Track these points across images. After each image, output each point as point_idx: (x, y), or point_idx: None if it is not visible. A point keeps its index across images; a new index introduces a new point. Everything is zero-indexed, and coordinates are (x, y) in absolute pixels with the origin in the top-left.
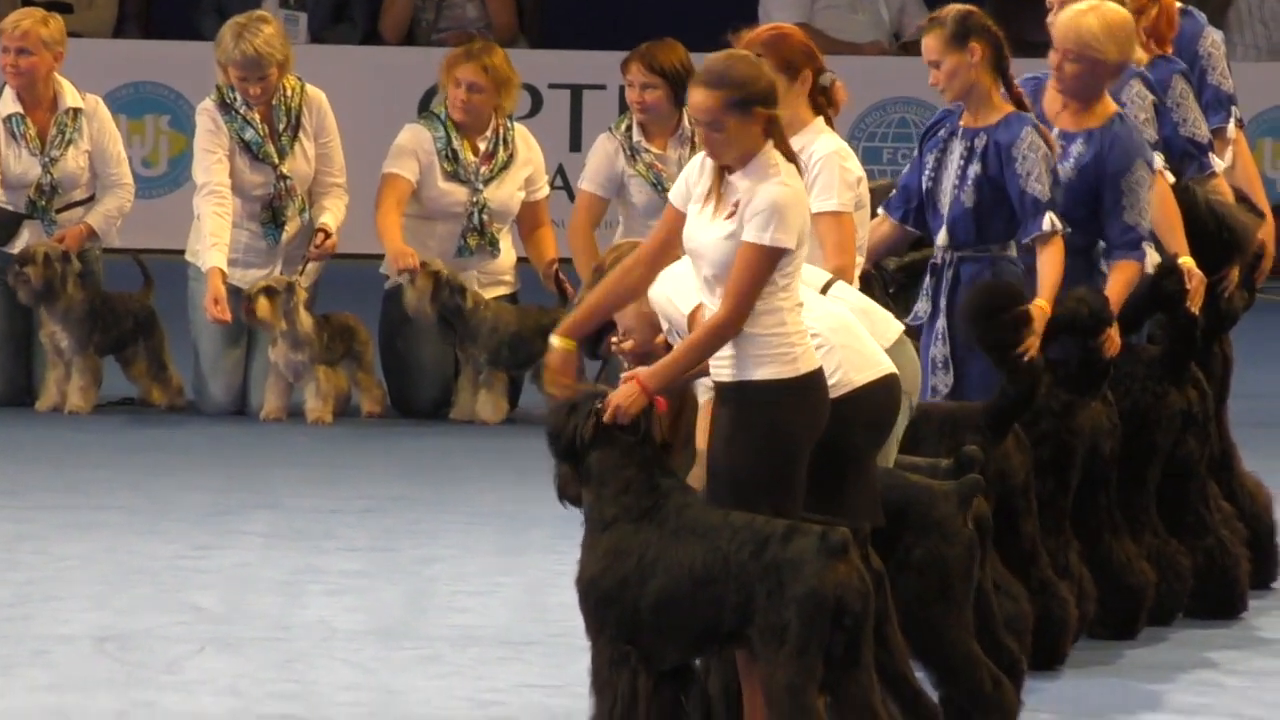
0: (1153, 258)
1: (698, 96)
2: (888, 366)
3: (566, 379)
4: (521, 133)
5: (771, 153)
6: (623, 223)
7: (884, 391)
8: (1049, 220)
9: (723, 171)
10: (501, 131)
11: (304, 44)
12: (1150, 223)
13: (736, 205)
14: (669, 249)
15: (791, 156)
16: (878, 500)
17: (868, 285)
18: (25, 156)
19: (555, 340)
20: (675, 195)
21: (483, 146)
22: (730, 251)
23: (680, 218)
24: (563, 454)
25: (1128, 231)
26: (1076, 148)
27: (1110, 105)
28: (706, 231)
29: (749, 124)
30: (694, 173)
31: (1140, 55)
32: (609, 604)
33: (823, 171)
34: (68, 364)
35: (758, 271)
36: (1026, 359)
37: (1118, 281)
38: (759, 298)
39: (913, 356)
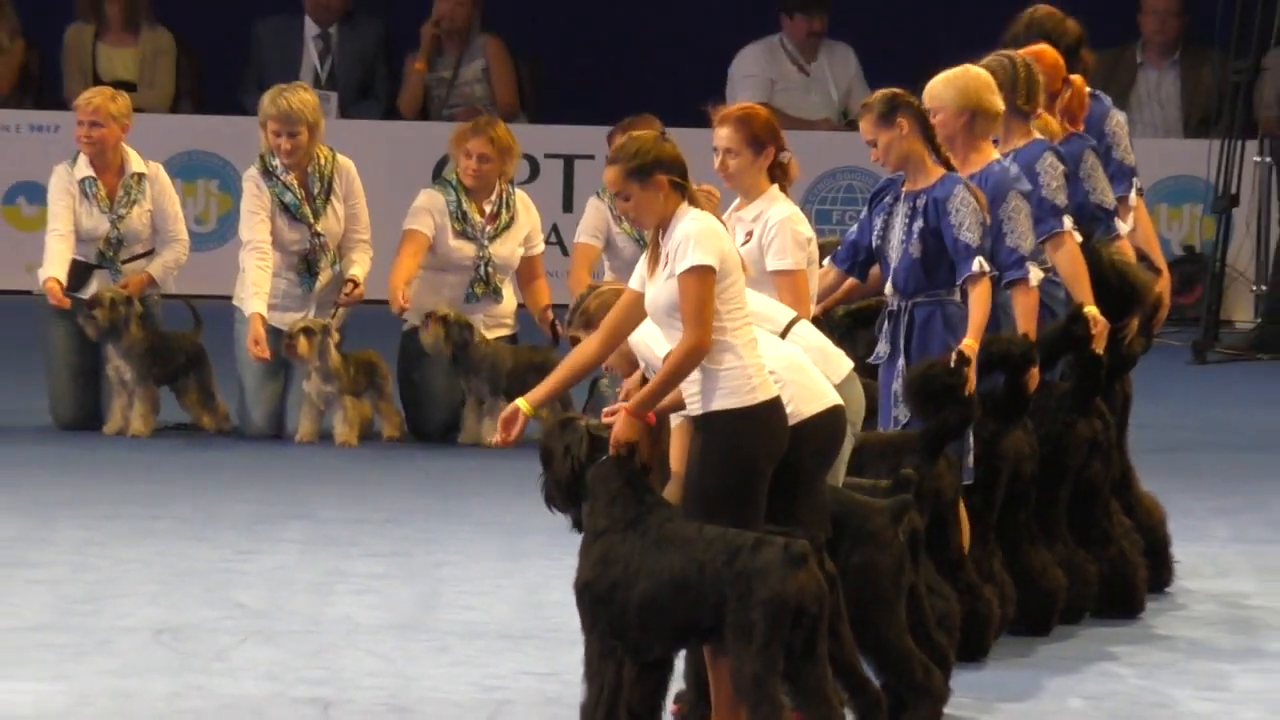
0: (1035, 274)
1: (608, 174)
2: (834, 399)
3: (508, 435)
4: (521, 197)
5: (687, 209)
6: (610, 273)
7: (831, 421)
8: (978, 263)
9: (656, 240)
10: (504, 195)
11: (334, 119)
12: (1031, 245)
13: (666, 256)
14: (625, 325)
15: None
16: (826, 515)
17: (818, 328)
18: (96, 214)
19: (521, 403)
20: (634, 281)
21: (488, 209)
22: (673, 292)
23: (637, 298)
24: (559, 474)
25: (1011, 254)
26: None
27: (989, 154)
28: (654, 290)
29: (651, 189)
30: (642, 263)
31: (1054, 127)
32: (601, 604)
33: (778, 235)
34: (130, 393)
35: (695, 294)
36: (966, 393)
37: (1020, 313)
38: (711, 326)
39: (859, 391)
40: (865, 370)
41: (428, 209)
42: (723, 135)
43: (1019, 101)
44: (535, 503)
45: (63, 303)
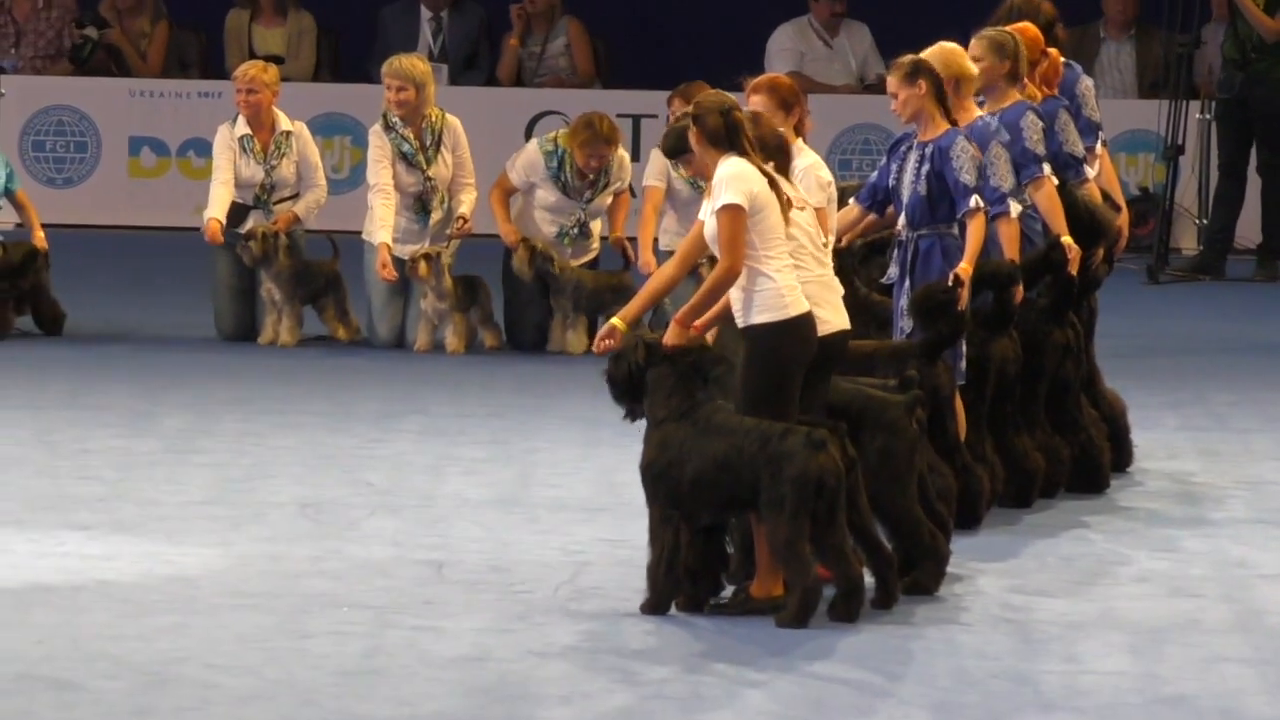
0: (1015, 208)
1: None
2: (846, 323)
3: (607, 345)
4: (621, 160)
5: (729, 157)
6: (671, 210)
7: (843, 339)
8: (974, 200)
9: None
10: (605, 167)
11: (445, 87)
12: (1011, 184)
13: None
14: (696, 249)
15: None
16: (825, 405)
17: (840, 258)
18: (252, 165)
19: (616, 321)
20: (702, 212)
21: (590, 177)
22: (713, 224)
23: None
24: (623, 382)
25: (994, 192)
26: None
27: (973, 111)
28: (706, 221)
29: (694, 137)
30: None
31: (1034, 92)
32: (660, 480)
33: (803, 179)
34: (279, 311)
35: (727, 227)
36: (958, 308)
37: (1005, 240)
38: (741, 253)
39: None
40: (879, 289)
41: (525, 168)
42: (756, 101)
43: (1011, 70)
44: (609, 400)
45: (217, 239)
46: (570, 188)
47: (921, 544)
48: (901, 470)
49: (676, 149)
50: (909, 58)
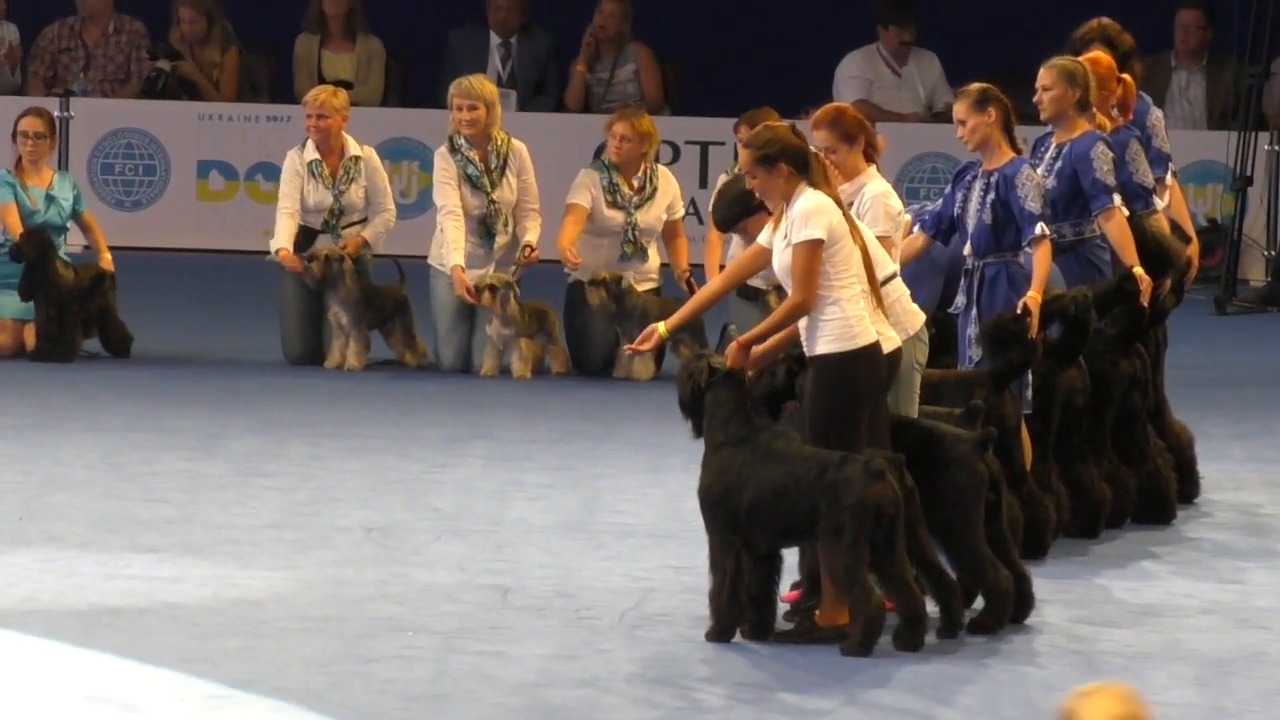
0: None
1: (741, 157)
2: (898, 342)
3: (644, 346)
4: (663, 171)
5: (805, 189)
6: (735, 236)
7: (895, 358)
8: (1039, 228)
9: (780, 212)
10: (648, 171)
11: (514, 112)
12: (1115, 182)
13: (786, 228)
14: (745, 271)
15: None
16: (887, 428)
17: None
18: (321, 189)
19: (660, 326)
20: (761, 238)
21: (635, 183)
22: (788, 257)
23: (762, 251)
24: (689, 401)
25: (1096, 184)
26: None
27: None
28: (778, 254)
29: (774, 174)
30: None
31: (1103, 121)
32: (717, 506)
33: (871, 208)
34: (346, 335)
35: (804, 261)
36: (1029, 337)
37: (1113, 235)
38: (815, 288)
39: (925, 339)
40: (951, 319)
41: (586, 185)
42: (820, 137)
43: (1081, 99)
44: (676, 425)
45: (295, 265)
46: (621, 197)
47: (986, 581)
48: (967, 506)
49: (731, 219)
50: (977, 85)
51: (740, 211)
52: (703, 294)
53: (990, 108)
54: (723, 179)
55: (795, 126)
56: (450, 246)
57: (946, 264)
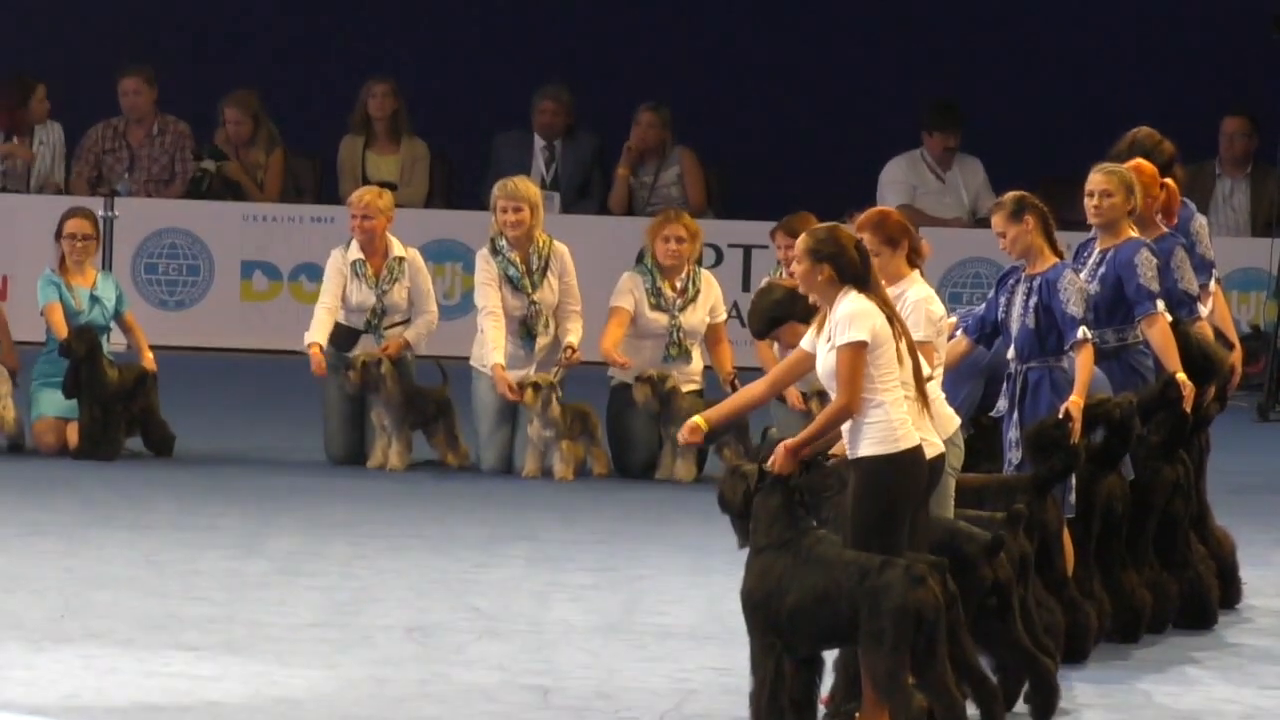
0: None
1: (796, 249)
2: (941, 449)
3: (689, 439)
4: (705, 275)
5: (849, 291)
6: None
7: (939, 464)
8: (1082, 332)
9: (824, 315)
10: (691, 274)
11: (557, 214)
12: (1159, 289)
13: (830, 331)
14: (789, 376)
15: (884, 301)
16: (929, 533)
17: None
18: (364, 289)
19: (699, 419)
20: (805, 343)
21: (678, 284)
22: (832, 360)
23: (806, 356)
24: (739, 505)
25: (1139, 290)
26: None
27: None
28: (821, 356)
29: (814, 272)
30: (811, 331)
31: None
32: (759, 609)
33: (913, 312)
34: (389, 436)
35: (848, 364)
36: (1071, 443)
37: (1156, 341)
38: (860, 390)
39: (961, 443)
40: (994, 424)
41: (629, 289)
42: (864, 240)
43: (1133, 208)
44: (718, 528)
45: (321, 369)
46: (664, 299)
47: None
48: (956, 614)
49: (764, 330)
50: (1011, 195)
51: (771, 322)
52: (745, 394)
53: (1026, 215)
54: (766, 280)
55: (860, 242)
56: (490, 346)
57: (987, 366)
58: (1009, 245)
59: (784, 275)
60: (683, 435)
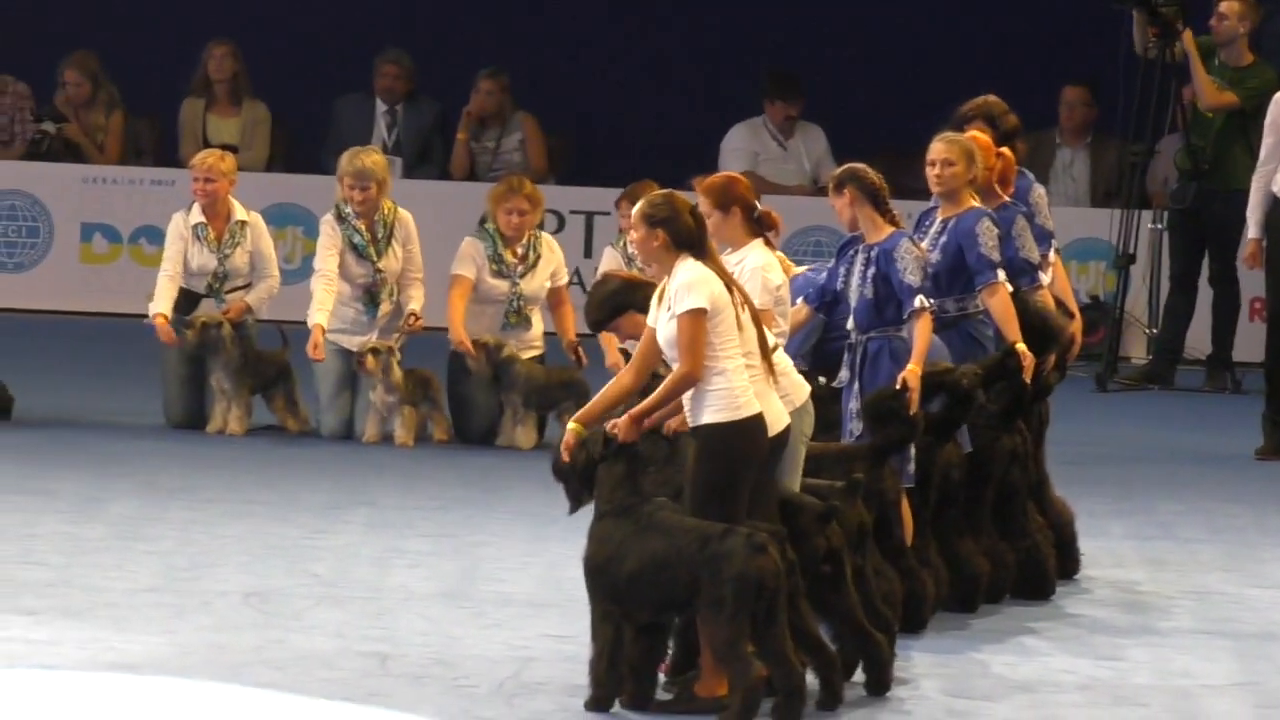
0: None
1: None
2: (787, 422)
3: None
4: (546, 239)
5: (686, 259)
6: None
7: (783, 439)
8: (919, 300)
9: (663, 285)
10: (532, 240)
11: (399, 179)
12: (1000, 258)
13: (668, 300)
14: (652, 357)
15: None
16: (775, 504)
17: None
18: (206, 253)
19: (571, 424)
20: (650, 319)
21: (519, 251)
22: (672, 329)
23: (654, 333)
24: (581, 471)
25: (981, 260)
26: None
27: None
28: (660, 326)
29: (649, 237)
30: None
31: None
32: (598, 575)
33: (750, 280)
34: (228, 400)
35: (688, 331)
36: (909, 413)
37: (996, 310)
38: (702, 358)
39: (812, 411)
40: (833, 393)
41: (470, 255)
42: (700, 204)
43: (974, 177)
44: (558, 495)
45: (170, 338)
46: (505, 266)
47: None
48: (796, 583)
49: (601, 321)
50: (837, 170)
51: (609, 312)
52: (615, 388)
53: (846, 188)
54: (608, 249)
55: (696, 208)
56: (315, 306)
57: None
58: (840, 218)
59: (627, 245)
60: (566, 454)
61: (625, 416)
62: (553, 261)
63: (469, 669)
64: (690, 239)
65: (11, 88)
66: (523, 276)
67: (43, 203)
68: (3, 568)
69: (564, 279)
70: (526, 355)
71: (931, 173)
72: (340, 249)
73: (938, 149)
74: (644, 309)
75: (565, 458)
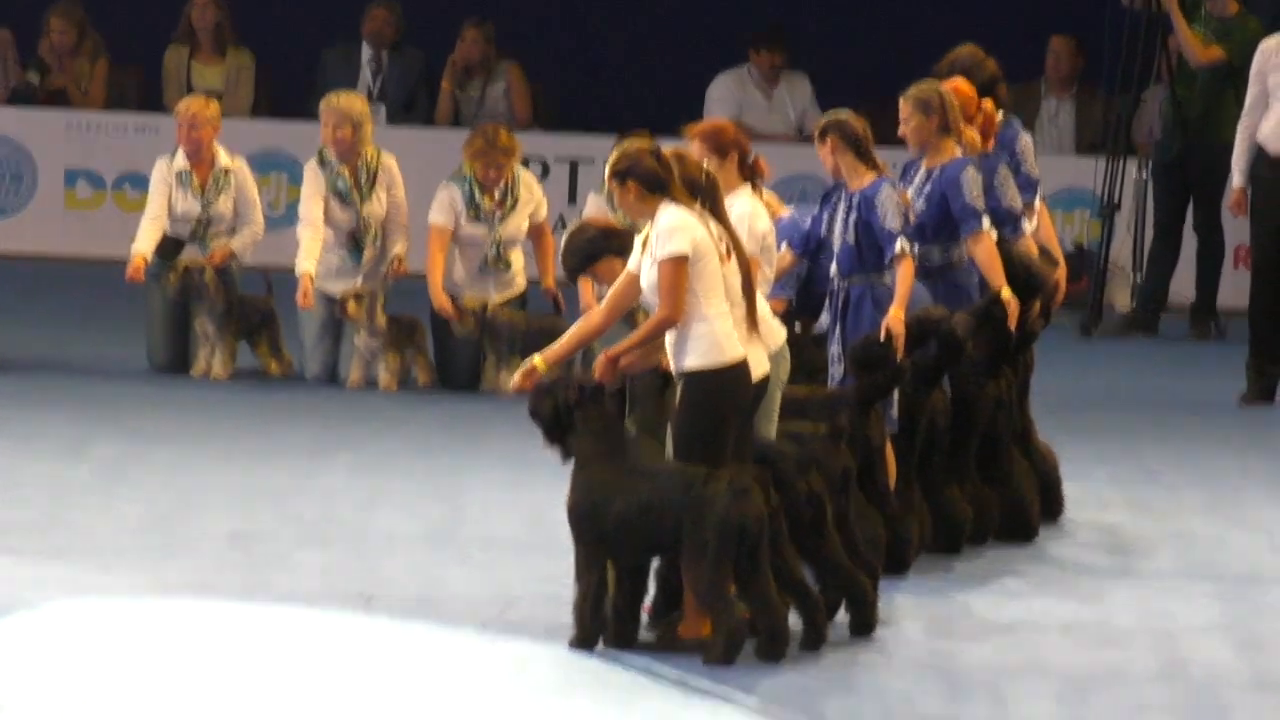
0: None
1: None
2: (766, 369)
3: (526, 383)
4: (526, 178)
5: (668, 205)
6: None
7: (762, 388)
8: (900, 245)
9: (646, 232)
10: (509, 183)
11: (384, 127)
12: (984, 207)
13: (649, 245)
14: (625, 301)
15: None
16: (752, 449)
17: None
18: (190, 199)
19: (538, 360)
20: (631, 264)
21: (497, 195)
22: (653, 273)
23: (635, 278)
24: (550, 419)
25: (965, 209)
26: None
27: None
28: (643, 271)
29: (624, 191)
30: (637, 248)
31: (973, 138)
32: (584, 519)
33: (736, 226)
34: (212, 344)
35: (670, 276)
36: (895, 360)
37: (981, 258)
38: (682, 303)
39: (787, 356)
40: (817, 339)
41: (448, 203)
42: (694, 149)
43: (940, 123)
44: (540, 440)
45: (138, 276)
46: (483, 212)
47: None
48: (779, 526)
49: (577, 267)
50: (821, 120)
51: (585, 259)
52: (584, 327)
53: (828, 137)
54: (592, 196)
55: (657, 148)
56: (302, 254)
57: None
58: (824, 166)
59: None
60: (516, 381)
61: (602, 356)
62: (531, 201)
63: (453, 609)
64: (658, 180)
65: None
66: (502, 221)
67: (26, 148)
68: None
69: (544, 214)
70: (507, 295)
71: (901, 130)
72: (324, 194)
73: (901, 106)
74: (621, 255)
75: (520, 384)
